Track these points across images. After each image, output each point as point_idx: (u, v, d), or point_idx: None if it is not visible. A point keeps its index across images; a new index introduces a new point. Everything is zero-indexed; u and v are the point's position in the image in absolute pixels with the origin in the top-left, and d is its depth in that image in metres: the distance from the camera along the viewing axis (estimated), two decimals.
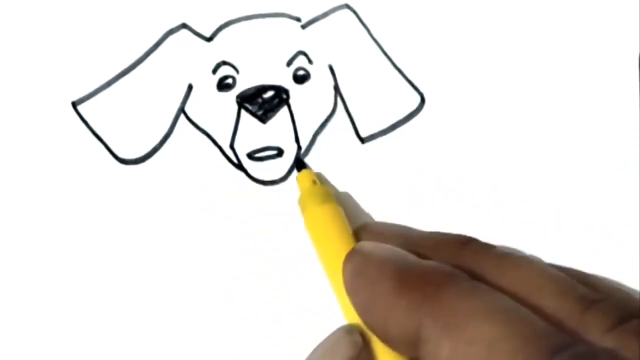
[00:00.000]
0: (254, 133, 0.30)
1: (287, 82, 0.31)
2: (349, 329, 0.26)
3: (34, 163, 0.30)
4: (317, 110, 0.31)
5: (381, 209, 0.30)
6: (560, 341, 0.19)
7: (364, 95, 0.31)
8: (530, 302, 0.22)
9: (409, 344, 0.22)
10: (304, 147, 0.31)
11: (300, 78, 0.31)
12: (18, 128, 0.30)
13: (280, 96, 0.30)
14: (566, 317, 0.21)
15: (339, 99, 0.31)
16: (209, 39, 0.31)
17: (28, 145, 0.30)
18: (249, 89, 0.30)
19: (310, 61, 0.31)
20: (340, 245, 0.27)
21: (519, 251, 0.28)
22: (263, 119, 0.30)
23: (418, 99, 0.31)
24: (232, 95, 0.31)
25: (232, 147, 0.30)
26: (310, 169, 0.30)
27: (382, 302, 0.23)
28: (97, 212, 0.30)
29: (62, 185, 0.30)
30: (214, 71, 0.31)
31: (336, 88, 0.31)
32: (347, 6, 0.32)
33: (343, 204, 0.29)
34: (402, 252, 0.25)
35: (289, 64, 0.31)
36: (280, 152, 0.30)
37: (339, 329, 0.26)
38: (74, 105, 0.30)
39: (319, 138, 0.31)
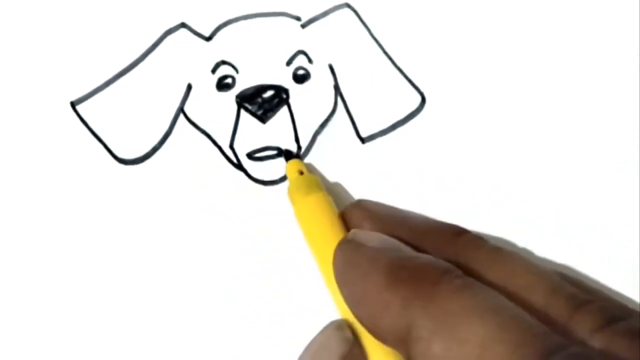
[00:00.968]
0: (254, 133, 0.30)
1: (287, 82, 0.31)
2: (339, 325, 0.25)
3: (32, 163, 0.30)
4: (317, 110, 0.31)
5: None
6: (554, 342, 0.19)
7: (365, 95, 0.31)
8: (520, 298, 0.22)
9: (400, 340, 0.22)
10: (304, 147, 0.30)
11: (300, 77, 0.31)
12: (17, 128, 0.30)
13: (280, 96, 0.30)
14: (556, 316, 0.21)
15: (339, 98, 0.31)
16: (208, 39, 0.31)
17: (27, 145, 0.30)
18: (248, 89, 0.30)
19: (310, 60, 0.31)
20: (330, 235, 0.27)
21: (510, 247, 0.28)
22: (263, 118, 0.30)
23: (419, 99, 0.31)
24: (231, 95, 0.31)
25: (231, 147, 0.30)
26: (298, 159, 0.30)
27: (373, 295, 0.23)
28: (97, 213, 0.30)
29: (61, 185, 0.30)
30: (214, 71, 0.31)
31: (336, 88, 0.31)
32: (348, 5, 0.31)
33: (342, 203, 0.29)
34: (395, 243, 0.25)
35: (288, 63, 0.31)
36: (280, 152, 0.30)
37: (329, 325, 0.26)
38: (73, 105, 0.30)
39: (319, 138, 0.31)
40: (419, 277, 0.22)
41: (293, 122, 0.30)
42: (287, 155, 0.30)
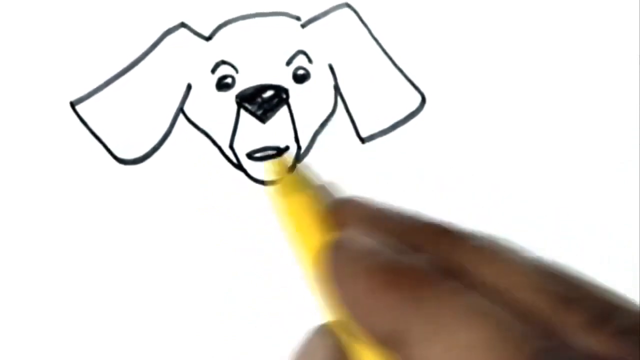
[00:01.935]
0: (254, 133, 0.30)
1: (287, 82, 0.31)
2: (323, 330, 0.26)
3: (32, 163, 0.30)
4: (317, 110, 0.31)
5: None
6: (541, 345, 0.19)
7: (365, 95, 0.31)
8: (508, 298, 0.22)
9: (385, 344, 0.22)
10: (304, 147, 0.30)
11: (300, 77, 0.31)
12: (16, 128, 0.30)
13: (280, 96, 0.30)
14: (544, 315, 0.22)
15: (339, 98, 0.31)
16: (208, 38, 0.31)
17: (26, 145, 0.30)
18: (248, 89, 0.30)
19: (310, 60, 0.31)
20: (310, 239, 0.26)
21: (499, 241, 0.28)
22: (263, 118, 0.30)
23: (419, 99, 0.31)
24: (231, 94, 0.30)
25: (231, 147, 0.30)
26: (282, 159, 0.30)
27: (359, 299, 0.23)
28: (96, 212, 0.30)
29: (61, 185, 0.30)
30: (213, 71, 0.31)
31: (336, 87, 0.31)
32: (348, 5, 0.31)
33: None
34: (380, 244, 0.25)
35: (288, 63, 0.31)
36: (280, 152, 0.30)
37: (313, 330, 0.26)
38: (73, 105, 0.30)
39: (319, 138, 0.31)
40: (406, 279, 0.22)
41: (293, 122, 0.30)
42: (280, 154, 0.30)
